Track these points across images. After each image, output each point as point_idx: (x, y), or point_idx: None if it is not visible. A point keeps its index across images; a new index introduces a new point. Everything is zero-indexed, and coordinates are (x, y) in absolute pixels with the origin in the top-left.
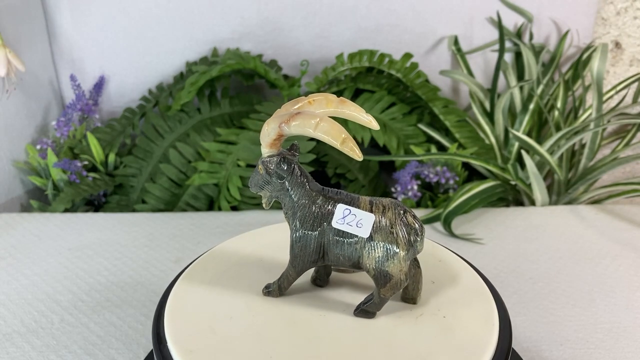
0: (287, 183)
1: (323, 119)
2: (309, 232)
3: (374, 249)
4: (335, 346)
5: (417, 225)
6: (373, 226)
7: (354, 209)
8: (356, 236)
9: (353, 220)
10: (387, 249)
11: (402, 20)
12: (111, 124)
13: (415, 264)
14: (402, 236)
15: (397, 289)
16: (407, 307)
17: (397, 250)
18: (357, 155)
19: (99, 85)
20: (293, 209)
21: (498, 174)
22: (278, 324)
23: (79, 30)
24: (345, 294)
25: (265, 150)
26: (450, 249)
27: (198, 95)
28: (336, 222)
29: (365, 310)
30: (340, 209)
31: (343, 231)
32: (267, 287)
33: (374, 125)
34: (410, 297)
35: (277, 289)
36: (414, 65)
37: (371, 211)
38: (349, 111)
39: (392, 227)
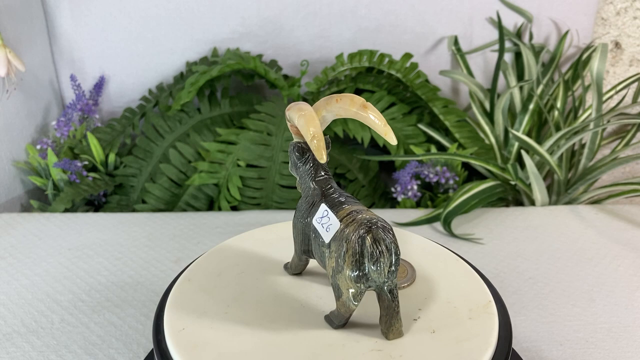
0: (300, 169)
1: (305, 114)
2: (300, 220)
3: (331, 258)
4: (275, 330)
5: (374, 252)
6: (334, 235)
7: (330, 213)
8: (323, 239)
9: (326, 222)
10: (338, 261)
11: (402, 20)
12: (111, 124)
13: (387, 296)
14: (352, 254)
15: (347, 308)
16: (377, 338)
17: (344, 266)
18: (320, 155)
19: (99, 85)
20: (301, 194)
21: (498, 174)
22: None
23: (79, 30)
24: None
25: (294, 136)
26: (450, 249)
27: (198, 95)
28: (315, 220)
29: (329, 318)
30: (322, 208)
31: (318, 230)
32: (285, 264)
33: (391, 138)
34: (382, 330)
35: (290, 268)
36: (414, 66)
37: (342, 221)
38: (367, 115)
39: (344, 241)
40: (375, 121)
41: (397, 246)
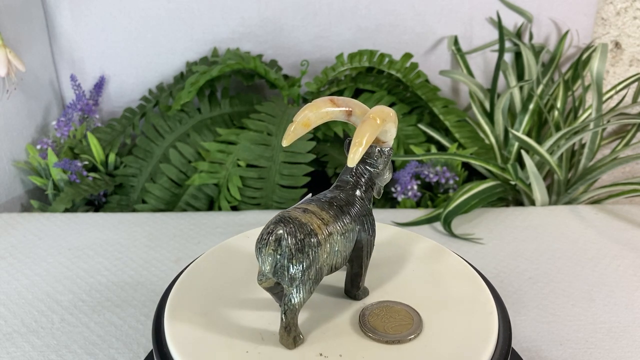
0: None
1: (309, 105)
2: None
3: None
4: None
5: (263, 240)
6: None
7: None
8: None
9: None
10: None
11: (402, 20)
12: (111, 124)
13: (284, 298)
14: (260, 235)
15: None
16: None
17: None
18: (284, 139)
19: (99, 85)
20: None
21: (498, 174)
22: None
23: (79, 30)
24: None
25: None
26: (450, 249)
27: (198, 95)
28: None
29: None
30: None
31: None
32: None
33: (350, 159)
34: None
35: None
36: (414, 65)
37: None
38: (362, 125)
39: (267, 227)
40: (358, 135)
41: (291, 254)
